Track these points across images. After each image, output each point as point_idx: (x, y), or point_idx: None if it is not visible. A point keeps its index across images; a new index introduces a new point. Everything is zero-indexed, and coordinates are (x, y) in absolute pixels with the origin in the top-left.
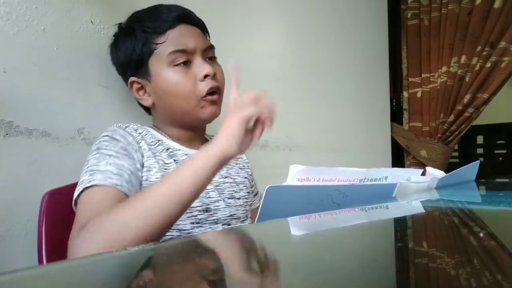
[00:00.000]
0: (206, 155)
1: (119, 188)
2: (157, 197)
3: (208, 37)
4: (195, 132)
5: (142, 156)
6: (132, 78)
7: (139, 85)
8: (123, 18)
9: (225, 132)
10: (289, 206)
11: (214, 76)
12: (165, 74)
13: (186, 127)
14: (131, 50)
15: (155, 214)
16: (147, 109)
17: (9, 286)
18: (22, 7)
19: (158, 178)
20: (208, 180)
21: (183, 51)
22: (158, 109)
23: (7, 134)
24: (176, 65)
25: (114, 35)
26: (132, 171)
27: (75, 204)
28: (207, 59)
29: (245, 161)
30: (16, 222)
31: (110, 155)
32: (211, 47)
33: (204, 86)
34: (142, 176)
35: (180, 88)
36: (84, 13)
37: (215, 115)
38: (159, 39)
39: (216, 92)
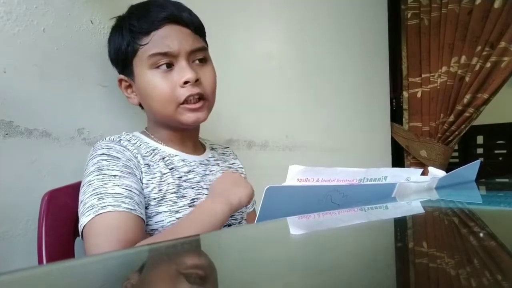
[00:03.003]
0: (224, 209)
1: (133, 213)
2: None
3: (202, 38)
4: (185, 133)
5: (141, 172)
6: (120, 76)
7: (127, 83)
8: None
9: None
10: (288, 207)
11: (197, 82)
12: (145, 76)
13: (173, 128)
14: (118, 48)
15: None
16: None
17: (9, 286)
18: (22, 7)
19: (156, 193)
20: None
21: (164, 54)
22: (144, 107)
23: (7, 134)
24: (158, 67)
25: (111, 28)
26: (139, 190)
27: (84, 228)
28: (196, 61)
29: (239, 166)
30: (16, 222)
31: (115, 175)
32: (200, 49)
33: (184, 92)
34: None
35: (157, 92)
36: (84, 13)
37: (197, 121)
38: (143, 40)
39: (200, 99)
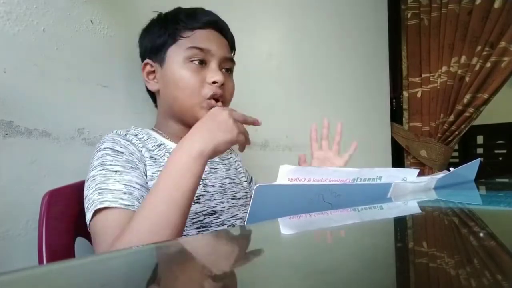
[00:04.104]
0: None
1: (131, 209)
2: (158, 211)
3: (233, 53)
4: None
5: (145, 165)
6: (147, 60)
7: (152, 69)
8: (123, 18)
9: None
10: (279, 206)
11: (222, 86)
12: (178, 65)
13: (185, 123)
14: (157, 36)
15: (164, 225)
16: (153, 98)
17: (9, 286)
18: (22, 7)
19: None
20: (200, 174)
21: (202, 50)
22: (162, 97)
23: (7, 134)
24: (192, 61)
25: (150, 20)
26: (141, 183)
27: (89, 225)
28: (223, 69)
29: (236, 160)
30: (16, 222)
31: (116, 171)
32: (231, 60)
33: (209, 91)
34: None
35: (186, 83)
36: (84, 13)
37: None
38: (186, 33)
39: (219, 100)
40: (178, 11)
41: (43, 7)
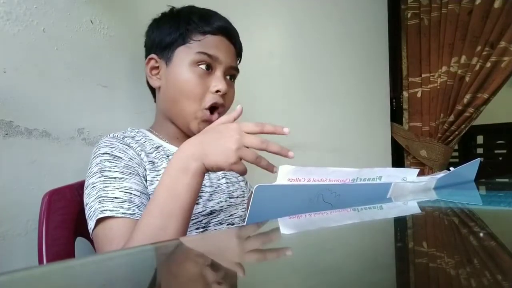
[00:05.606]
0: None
1: (132, 218)
2: (156, 225)
3: (238, 61)
4: (190, 134)
5: (145, 169)
6: (153, 55)
7: (156, 64)
8: (123, 18)
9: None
10: (279, 206)
11: (224, 95)
12: (184, 68)
13: (179, 126)
14: (167, 33)
15: (168, 230)
16: (154, 93)
17: (9, 286)
18: (22, 7)
19: None
20: (197, 187)
21: (210, 56)
22: (162, 95)
23: (7, 134)
24: (198, 65)
25: (161, 13)
26: (141, 190)
27: (91, 234)
28: (228, 77)
29: None
30: (16, 222)
31: (115, 178)
32: (236, 69)
33: (211, 99)
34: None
35: (189, 87)
36: (84, 13)
37: None
38: (197, 37)
39: (217, 110)
40: (191, 10)
41: (43, 7)
